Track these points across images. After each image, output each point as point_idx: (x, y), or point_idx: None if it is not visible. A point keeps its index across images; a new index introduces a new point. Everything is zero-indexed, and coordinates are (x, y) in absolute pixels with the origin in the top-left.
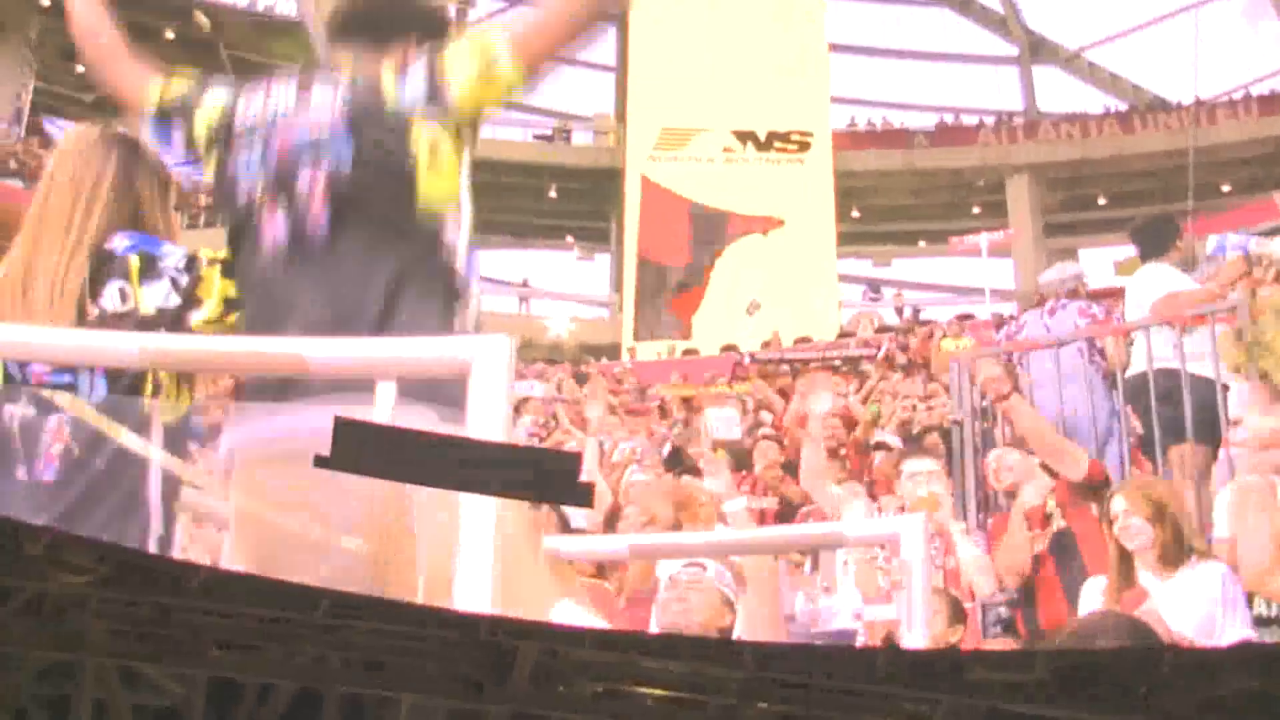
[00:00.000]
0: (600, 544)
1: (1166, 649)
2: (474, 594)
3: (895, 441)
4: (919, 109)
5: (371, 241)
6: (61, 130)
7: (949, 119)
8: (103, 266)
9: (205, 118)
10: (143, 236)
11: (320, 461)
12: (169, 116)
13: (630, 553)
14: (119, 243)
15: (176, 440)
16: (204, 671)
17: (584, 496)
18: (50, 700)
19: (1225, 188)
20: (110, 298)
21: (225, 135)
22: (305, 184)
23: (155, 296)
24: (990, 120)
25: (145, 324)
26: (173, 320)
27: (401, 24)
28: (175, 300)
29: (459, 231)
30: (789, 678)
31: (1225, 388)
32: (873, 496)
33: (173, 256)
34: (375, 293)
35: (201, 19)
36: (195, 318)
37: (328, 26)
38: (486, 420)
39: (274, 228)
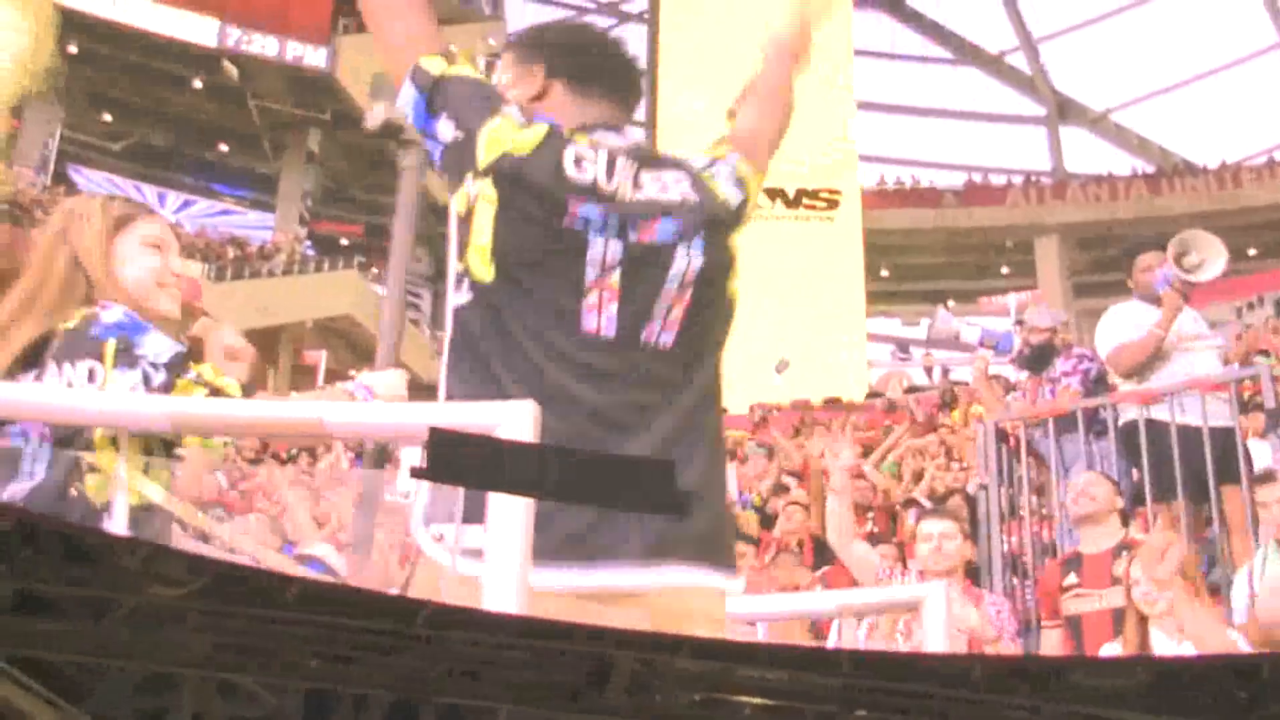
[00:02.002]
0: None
1: (1266, 656)
2: (504, 599)
3: (927, 502)
4: (948, 168)
5: (701, 356)
6: (88, 179)
7: (978, 178)
8: (79, 340)
9: (510, 139)
10: (132, 318)
11: (416, 472)
12: (442, 106)
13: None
14: (107, 317)
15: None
16: (301, 682)
17: (678, 505)
18: (149, 713)
19: (1251, 251)
20: (80, 375)
21: (544, 179)
22: (662, 282)
23: (123, 386)
24: (1019, 180)
25: None
26: None
27: (599, 69)
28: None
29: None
30: (886, 685)
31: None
32: (901, 559)
33: (155, 348)
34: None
35: (230, 69)
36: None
37: (520, 43)
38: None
39: (606, 317)
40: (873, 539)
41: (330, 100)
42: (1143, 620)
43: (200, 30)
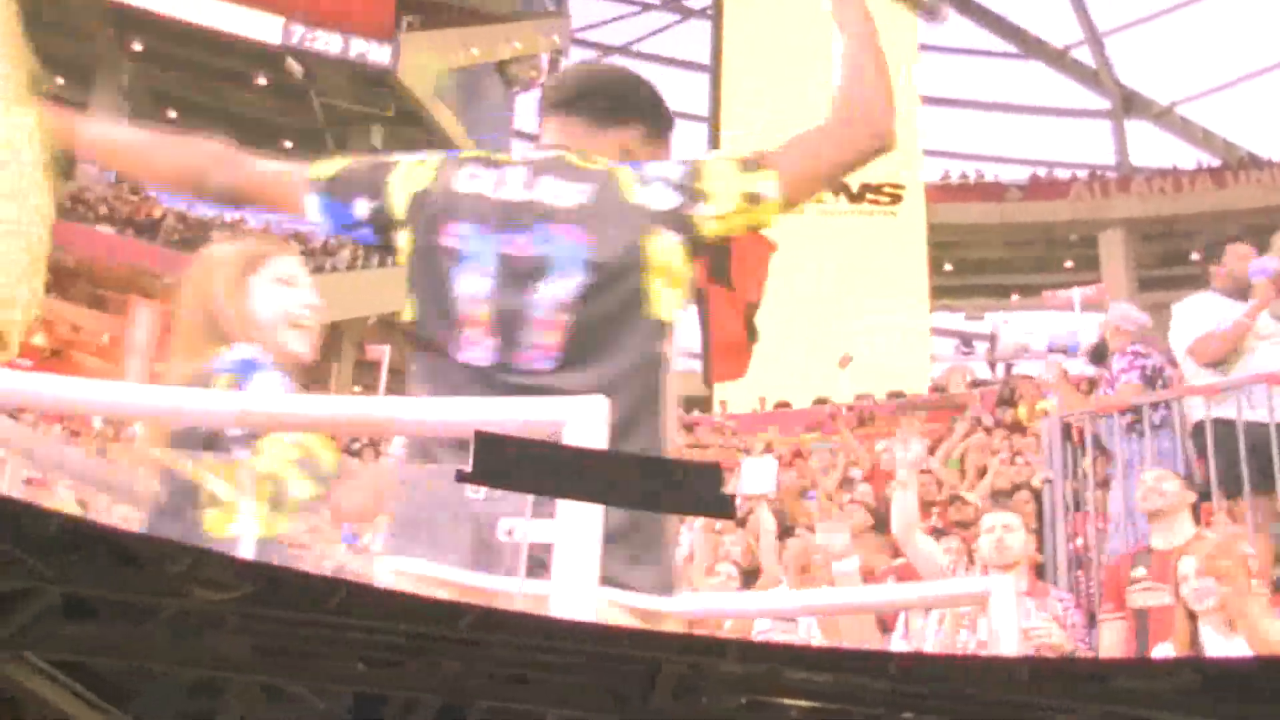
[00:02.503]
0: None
1: None
2: (575, 605)
3: (974, 499)
4: (1011, 162)
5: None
6: None
7: (1042, 172)
8: (199, 378)
9: (409, 184)
10: (252, 359)
11: (463, 476)
12: (347, 193)
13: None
14: (230, 355)
15: None
16: (348, 687)
17: (726, 507)
18: (195, 717)
19: None
20: None
21: (434, 210)
22: (533, 304)
23: None
24: (1083, 174)
25: None
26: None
27: (631, 108)
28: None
29: (671, 348)
30: (935, 688)
31: None
32: (968, 554)
33: (262, 388)
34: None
35: (294, 66)
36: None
37: (548, 94)
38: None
39: (481, 345)
40: (936, 534)
41: (393, 97)
42: (1192, 617)
43: (264, 28)
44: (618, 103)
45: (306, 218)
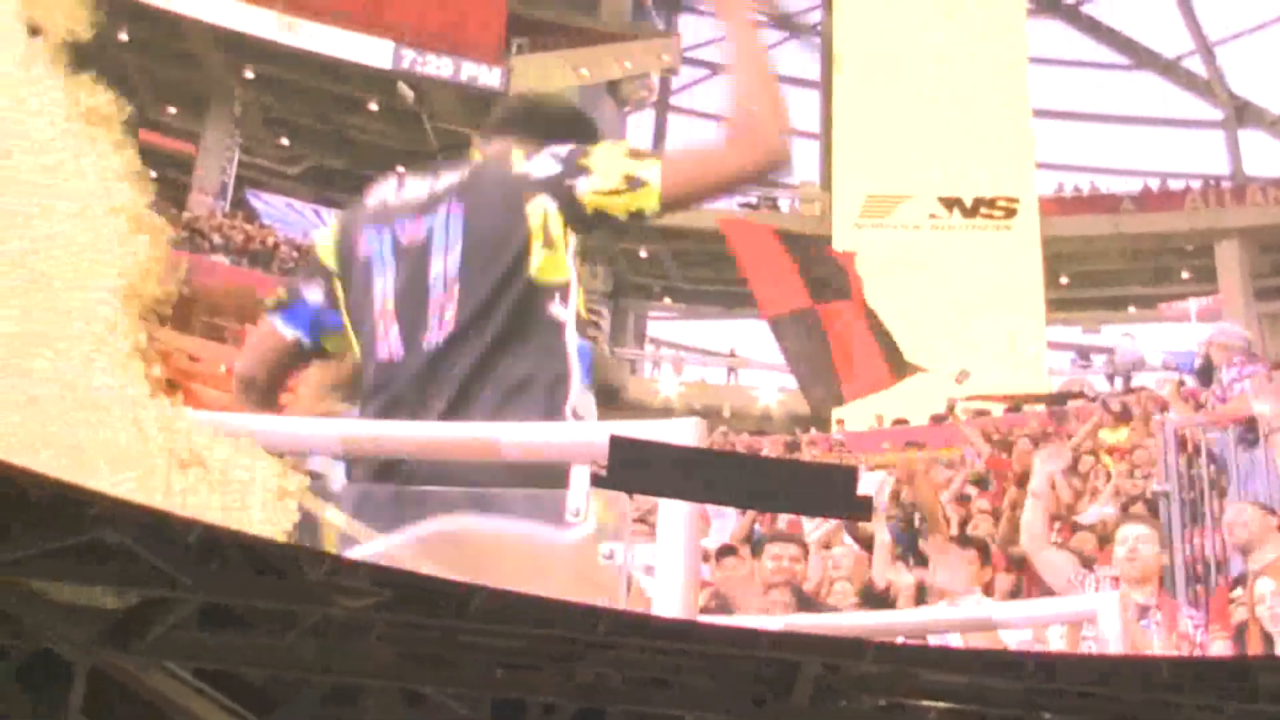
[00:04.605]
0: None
1: None
2: (670, 603)
3: (1110, 514)
4: (1125, 174)
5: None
6: (267, 204)
7: (1155, 184)
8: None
9: (327, 241)
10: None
11: (598, 480)
12: (296, 292)
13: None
14: None
15: None
16: (488, 693)
17: (863, 510)
18: None
19: None
20: None
21: (348, 234)
22: (427, 288)
23: None
24: (1197, 184)
25: None
26: None
27: (561, 129)
28: None
29: (568, 311)
30: (1072, 688)
31: None
32: (1088, 567)
33: None
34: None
35: (405, 90)
36: None
37: (493, 121)
38: (674, 504)
39: (392, 340)
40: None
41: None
42: (1268, 637)
43: (375, 53)
44: (555, 126)
45: (287, 340)
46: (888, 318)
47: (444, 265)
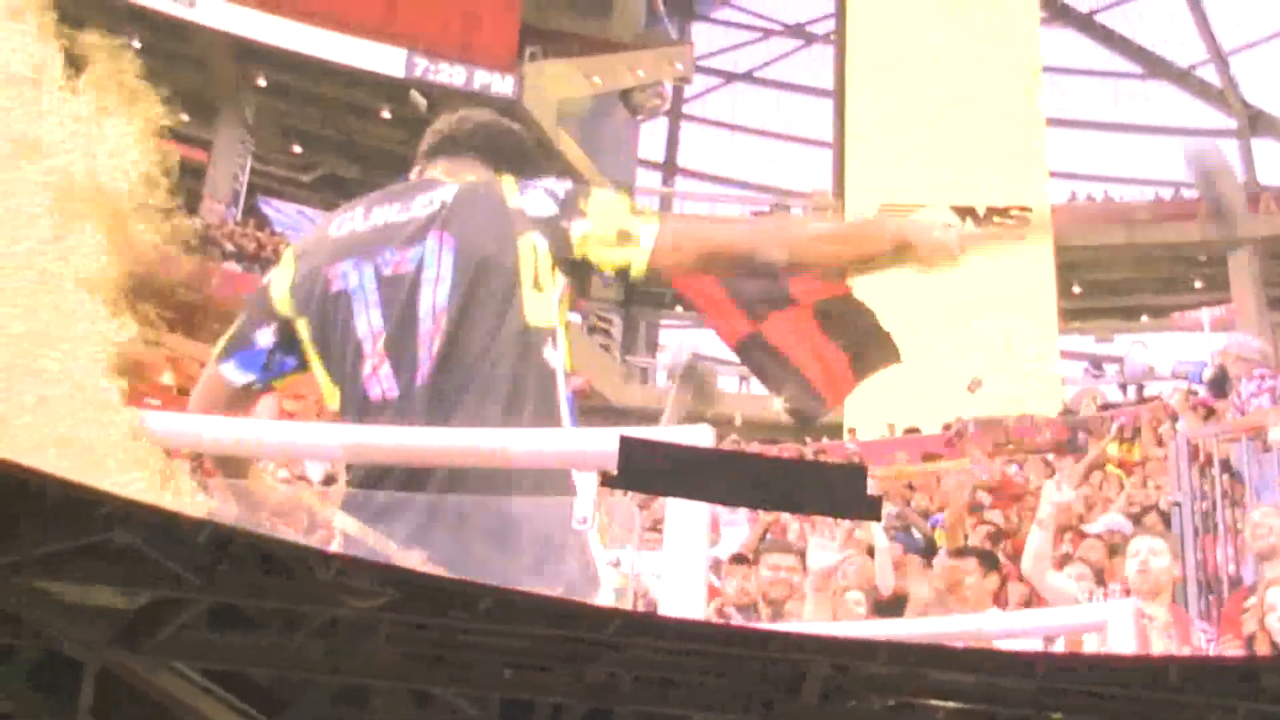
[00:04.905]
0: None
1: None
2: (685, 603)
3: (1121, 522)
4: (1138, 183)
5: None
6: (278, 211)
7: (1168, 193)
8: None
9: (282, 279)
10: None
11: (610, 480)
12: (245, 336)
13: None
14: None
15: None
16: (496, 693)
17: (873, 509)
18: None
19: None
20: None
21: (314, 268)
22: (416, 325)
23: None
24: None
25: None
26: None
27: (513, 154)
28: None
29: (558, 356)
30: (1081, 687)
31: None
32: (1100, 582)
33: None
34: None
35: (418, 99)
36: None
37: (435, 138)
38: (687, 505)
39: (385, 380)
40: (1065, 559)
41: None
42: (1276, 648)
43: (388, 61)
44: (505, 148)
45: (236, 387)
46: (899, 328)
47: (433, 298)
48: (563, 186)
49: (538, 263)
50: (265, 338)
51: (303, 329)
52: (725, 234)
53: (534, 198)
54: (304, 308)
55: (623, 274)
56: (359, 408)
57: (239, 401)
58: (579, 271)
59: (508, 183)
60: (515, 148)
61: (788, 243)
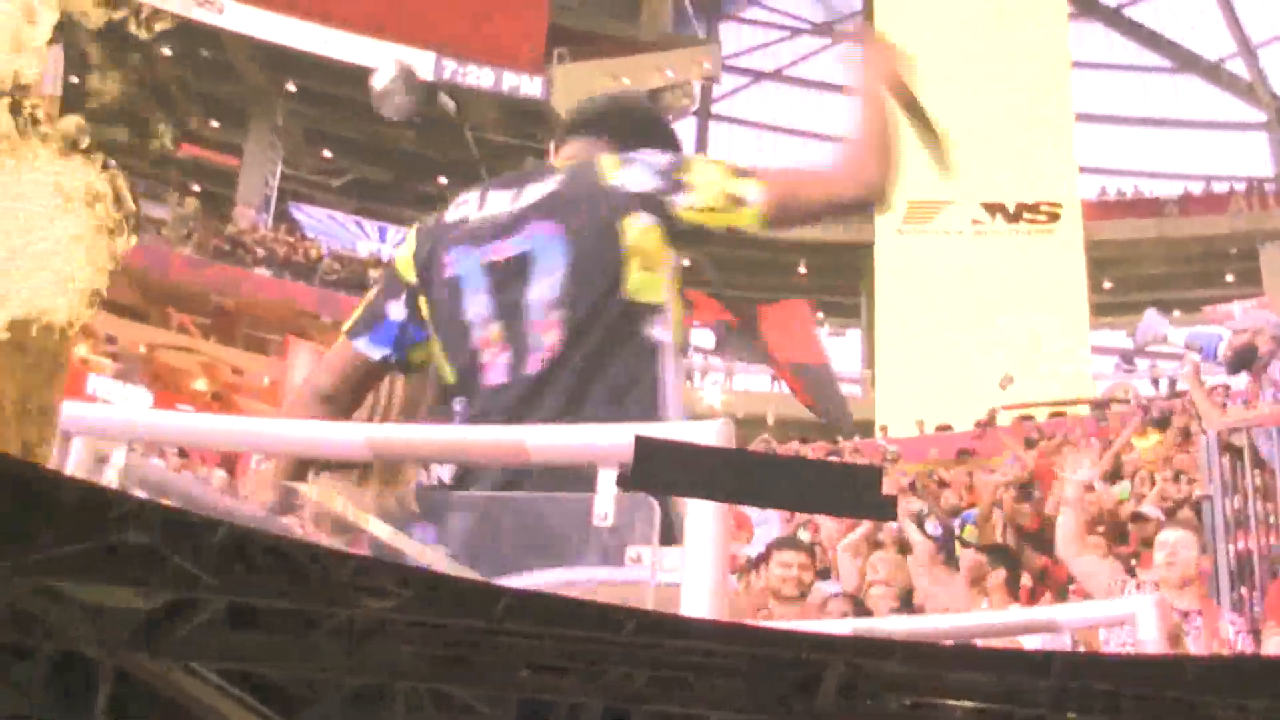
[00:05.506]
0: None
1: None
2: (699, 604)
3: (1154, 512)
4: (1168, 177)
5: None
6: (309, 216)
7: (1198, 187)
8: None
9: (407, 254)
10: None
11: (623, 481)
12: (378, 310)
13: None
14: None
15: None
16: (514, 693)
17: (887, 510)
18: None
19: None
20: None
21: (431, 251)
22: (527, 312)
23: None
24: (1240, 187)
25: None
26: None
27: (644, 131)
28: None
29: (667, 334)
30: (1098, 686)
31: None
32: (1131, 571)
33: None
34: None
35: (446, 101)
36: None
37: (569, 119)
38: (702, 503)
39: (501, 366)
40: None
41: (546, 129)
42: None
43: (416, 63)
44: (637, 126)
45: (373, 360)
46: (931, 325)
47: (543, 289)
48: (661, 158)
49: (646, 242)
50: (397, 311)
51: (424, 305)
52: (810, 179)
53: (634, 173)
54: (425, 284)
55: (734, 231)
56: (470, 391)
57: (375, 377)
58: (693, 239)
59: (608, 161)
60: (642, 123)
61: (848, 174)
